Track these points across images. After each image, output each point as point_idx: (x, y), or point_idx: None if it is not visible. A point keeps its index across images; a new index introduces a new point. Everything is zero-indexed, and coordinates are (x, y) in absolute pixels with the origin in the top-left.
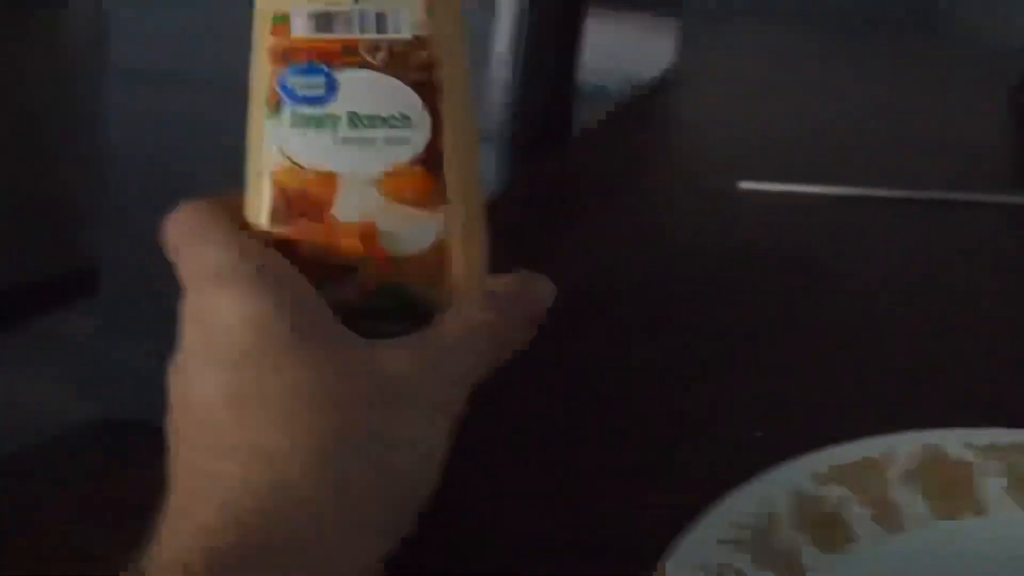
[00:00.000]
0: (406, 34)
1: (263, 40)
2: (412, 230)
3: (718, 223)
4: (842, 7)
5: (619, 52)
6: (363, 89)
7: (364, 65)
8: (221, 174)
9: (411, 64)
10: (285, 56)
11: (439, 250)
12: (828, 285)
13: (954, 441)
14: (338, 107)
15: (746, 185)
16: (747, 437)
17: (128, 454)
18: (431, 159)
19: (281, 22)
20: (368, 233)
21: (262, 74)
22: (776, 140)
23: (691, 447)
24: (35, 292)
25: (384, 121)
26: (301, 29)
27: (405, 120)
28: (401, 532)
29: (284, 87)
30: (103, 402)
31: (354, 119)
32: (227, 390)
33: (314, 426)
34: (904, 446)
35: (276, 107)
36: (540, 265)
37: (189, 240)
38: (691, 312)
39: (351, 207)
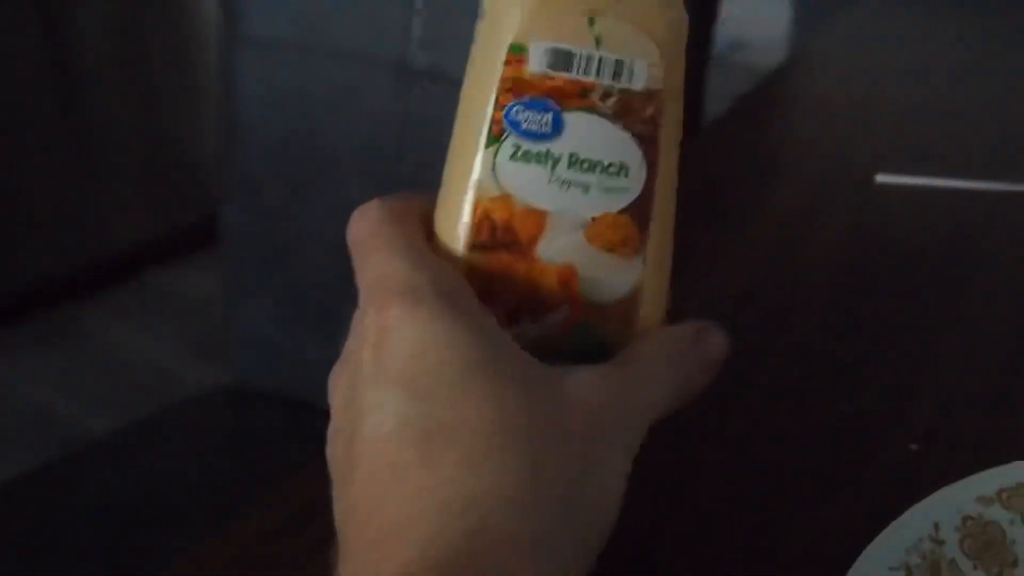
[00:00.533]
0: (639, 85)
1: (494, 67)
2: (610, 277)
3: (856, 221)
4: None
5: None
6: (588, 133)
7: (594, 110)
8: (351, 147)
9: (639, 115)
10: (516, 87)
11: (633, 298)
12: (979, 288)
13: None
14: (561, 147)
15: (883, 179)
16: (904, 451)
17: (257, 425)
18: (640, 211)
19: (518, 52)
20: (567, 275)
21: (485, 100)
22: (911, 129)
23: (849, 460)
24: (154, 247)
25: (603, 167)
26: (538, 64)
27: (623, 169)
28: (586, 570)
29: (510, 118)
30: (224, 366)
31: (574, 161)
32: (411, 425)
33: (510, 466)
34: None
35: (497, 136)
36: (684, 270)
37: (376, 244)
38: (837, 319)
39: (555, 247)
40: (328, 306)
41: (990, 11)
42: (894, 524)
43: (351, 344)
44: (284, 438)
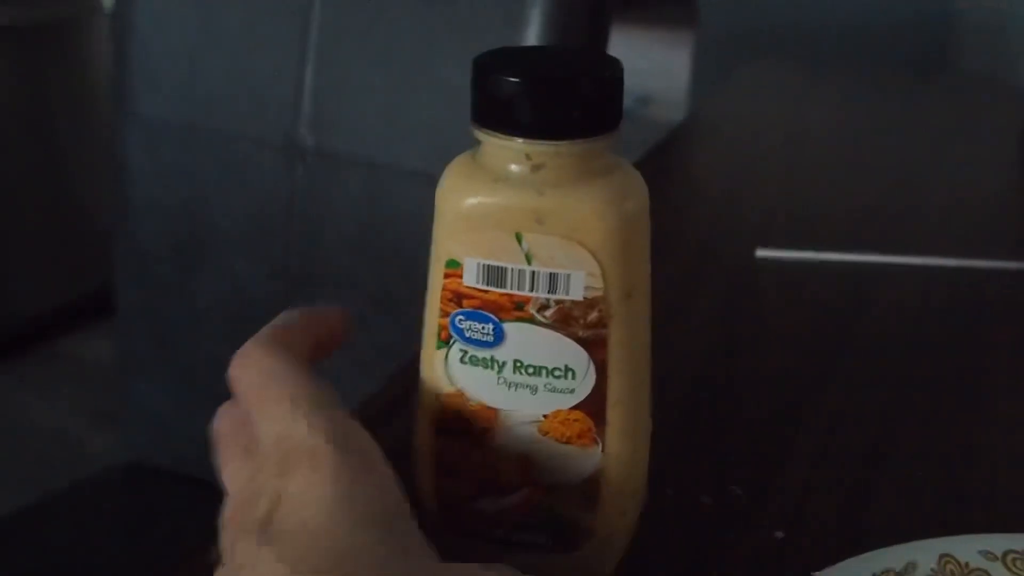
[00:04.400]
0: (577, 295)
1: (437, 279)
2: (568, 465)
3: (737, 296)
4: (851, 47)
5: (631, 69)
6: (529, 341)
7: (532, 321)
8: (239, 225)
9: (581, 323)
10: (457, 299)
11: (594, 480)
12: (843, 372)
13: (969, 549)
14: (504, 353)
15: (763, 253)
16: (769, 537)
17: (153, 502)
18: (592, 406)
19: (454, 267)
20: (523, 463)
21: (434, 309)
22: (791, 202)
23: (714, 545)
24: (53, 316)
25: (548, 371)
26: (473, 278)
27: (569, 372)
28: None
29: (454, 326)
30: (121, 438)
31: (519, 366)
32: None
33: None
34: (923, 556)
35: (446, 340)
36: None
37: (268, 396)
38: (703, 399)
39: (509, 438)
40: (220, 382)
41: (869, 76)
42: None
43: (244, 489)
44: (180, 516)
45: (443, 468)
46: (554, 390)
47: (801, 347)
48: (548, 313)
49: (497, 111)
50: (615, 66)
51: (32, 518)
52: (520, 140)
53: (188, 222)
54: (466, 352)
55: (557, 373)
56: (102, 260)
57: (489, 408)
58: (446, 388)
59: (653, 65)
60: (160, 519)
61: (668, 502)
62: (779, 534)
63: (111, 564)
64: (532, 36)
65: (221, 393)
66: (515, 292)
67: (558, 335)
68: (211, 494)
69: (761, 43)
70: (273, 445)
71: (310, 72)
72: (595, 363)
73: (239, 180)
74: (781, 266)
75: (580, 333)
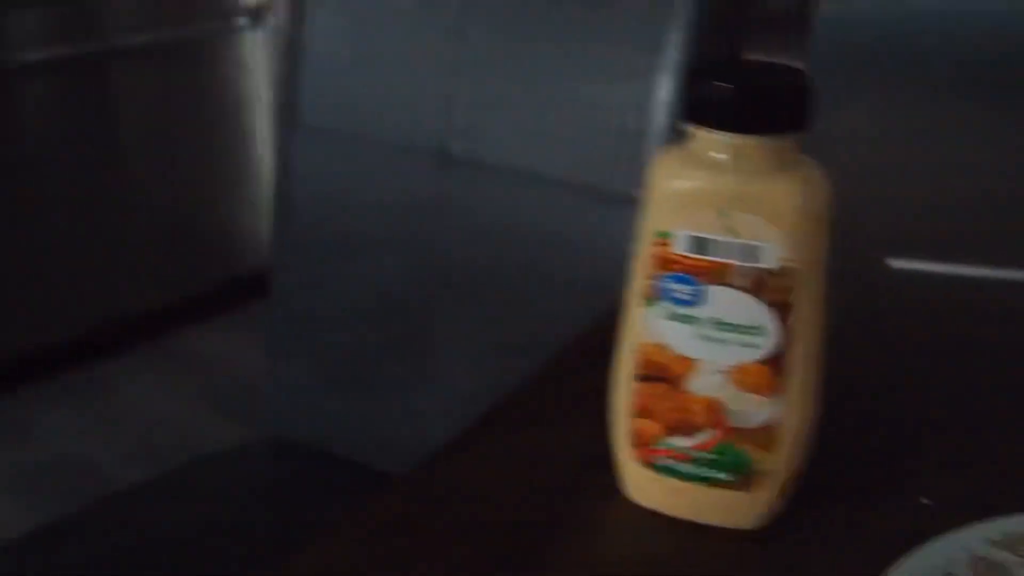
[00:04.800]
0: (771, 264)
1: (648, 247)
2: (751, 410)
3: (872, 306)
4: (965, 74)
5: None
6: (727, 302)
7: (731, 285)
8: (389, 227)
9: (772, 288)
10: (665, 264)
11: (773, 427)
12: (990, 371)
13: None
14: (703, 311)
15: (898, 264)
16: (916, 504)
17: (294, 476)
18: (776, 361)
19: (664, 237)
20: (713, 407)
21: (643, 272)
22: (923, 214)
23: (867, 513)
24: (182, 309)
25: (741, 328)
26: (681, 247)
27: (759, 330)
28: None
29: (662, 287)
30: (244, 423)
31: (716, 323)
32: None
33: None
34: None
35: (652, 300)
36: None
37: None
38: (854, 398)
39: (703, 384)
40: (362, 367)
41: (984, 102)
42: (903, 561)
43: None
44: (319, 488)
45: (639, 410)
46: (744, 345)
47: (926, 353)
48: (744, 279)
49: (709, 110)
50: (806, 77)
51: (177, 483)
52: (727, 134)
53: (342, 221)
54: (670, 310)
55: (749, 330)
56: (221, 260)
57: (686, 358)
58: (649, 340)
59: None
60: (299, 491)
61: (824, 464)
62: (925, 500)
63: (252, 531)
64: (669, 60)
65: (360, 376)
66: (717, 259)
67: (752, 298)
68: (347, 469)
69: (874, 68)
70: None
71: (460, 86)
72: (781, 325)
73: (390, 184)
74: (911, 277)
75: (771, 298)
